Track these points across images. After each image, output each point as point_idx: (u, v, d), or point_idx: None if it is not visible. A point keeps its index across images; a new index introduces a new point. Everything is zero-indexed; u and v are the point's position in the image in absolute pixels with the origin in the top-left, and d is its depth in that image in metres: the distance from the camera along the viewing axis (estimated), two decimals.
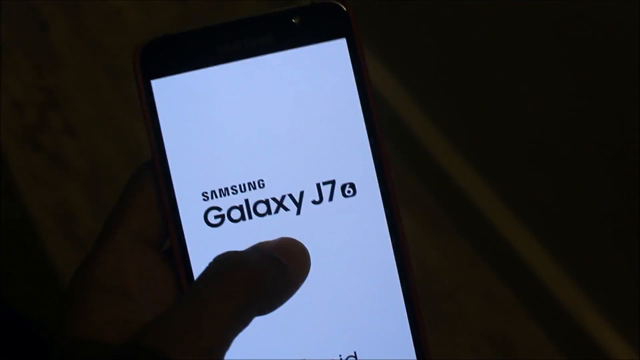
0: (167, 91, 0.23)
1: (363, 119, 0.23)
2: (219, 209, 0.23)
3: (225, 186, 0.23)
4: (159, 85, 0.23)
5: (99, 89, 0.98)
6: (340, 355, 0.23)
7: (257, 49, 0.23)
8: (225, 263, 0.21)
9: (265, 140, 0.23)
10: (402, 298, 0.23)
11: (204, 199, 0.23)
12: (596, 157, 0.59)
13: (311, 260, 0.23)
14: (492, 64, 0.65)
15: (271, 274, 0.21)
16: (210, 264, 0.21)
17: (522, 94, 0.64)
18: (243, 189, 0.23)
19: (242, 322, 0.20)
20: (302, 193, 0.23)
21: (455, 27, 0.68)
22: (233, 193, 0.23)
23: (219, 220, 0.23)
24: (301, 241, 0.23)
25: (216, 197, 0.23)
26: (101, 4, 1.05)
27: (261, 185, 0.23)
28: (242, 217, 0.23)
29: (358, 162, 0.23)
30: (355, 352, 0.23)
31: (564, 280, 0.72)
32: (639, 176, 0.55)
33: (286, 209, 0.23)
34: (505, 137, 0.70)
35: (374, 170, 0.23)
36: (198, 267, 0.23)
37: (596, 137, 0.58)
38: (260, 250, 0.22)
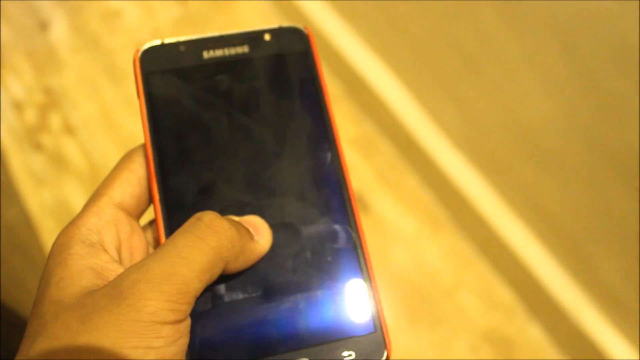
0: (160, 84, 0.28)
1: (321, 116, 0.29)
2: (199, 183, 0.27)
3: (205, 165, 0.27)
4: (153, 79, 0.28)
5: (99, 89, 0.98)
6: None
7: (236, 57, 0.29)
8: (203, 220, 0.24)
9: (238, 128, 0.28)
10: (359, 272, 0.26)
11: (187, 173, 0.27)
12: (596, 157, 0.59)
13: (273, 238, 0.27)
14: (492, 64, 0.65)
15: (241, 238, 0.25)
16: (189, 220, 0.24)
17: (522, 94, 0.64)
18: (222, 168, 0.28)
19: (211, 275, 0.23)
20: (270, 171, 0.28)
21: (455, 26, 0.68)
22: (212, 173, 0.27)
23: (197, 192, 0.27)
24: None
25: (198, 173, 0.27)
26: (101, 4, 1.05)
27: (237, 167, 0.28)
28: (219, 191, 0.27)
29: (317, 151, 0.28)
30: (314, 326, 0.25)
31: (564, 280, 0.72)
32: (639, 176, 0.55)
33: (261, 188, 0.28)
34: (505, 137, 0.70)
35: (333, 165, 0.28)
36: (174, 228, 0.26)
37: (596, 137, 0.58)
38: (233, 219, 0.26)
